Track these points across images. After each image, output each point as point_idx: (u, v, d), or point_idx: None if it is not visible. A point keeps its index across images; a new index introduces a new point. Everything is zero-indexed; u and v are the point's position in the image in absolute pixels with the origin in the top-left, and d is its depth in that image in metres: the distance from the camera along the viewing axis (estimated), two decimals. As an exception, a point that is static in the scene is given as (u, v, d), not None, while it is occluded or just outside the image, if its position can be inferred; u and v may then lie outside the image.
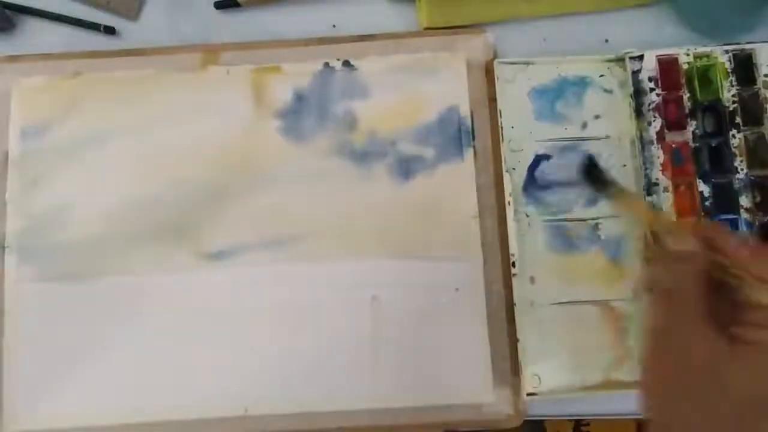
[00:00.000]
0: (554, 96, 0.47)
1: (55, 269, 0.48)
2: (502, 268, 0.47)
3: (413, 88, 0.49)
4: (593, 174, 0.45)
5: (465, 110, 0.48)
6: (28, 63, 0.50)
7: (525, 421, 0.46)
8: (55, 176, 0.49)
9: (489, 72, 0.48)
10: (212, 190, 0.48)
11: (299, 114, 0.49)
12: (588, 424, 0.84)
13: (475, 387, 0.46)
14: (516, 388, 0.46)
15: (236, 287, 0.47)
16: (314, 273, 0.47)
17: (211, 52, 0.50)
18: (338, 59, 0.49)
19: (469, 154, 0.48)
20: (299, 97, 0.49)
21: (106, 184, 0.49)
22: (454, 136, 0.48)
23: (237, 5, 0.51)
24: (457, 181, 0.48)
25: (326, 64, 0.49)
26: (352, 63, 0.49)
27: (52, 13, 0.51)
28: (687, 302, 0.32)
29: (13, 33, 0.52)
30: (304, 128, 0.49)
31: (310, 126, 0.49)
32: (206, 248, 0.48)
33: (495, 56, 0.49)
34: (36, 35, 0.52)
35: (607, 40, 0.49)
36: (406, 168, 0.48)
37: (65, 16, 0.51)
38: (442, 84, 0.49)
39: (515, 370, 0.46)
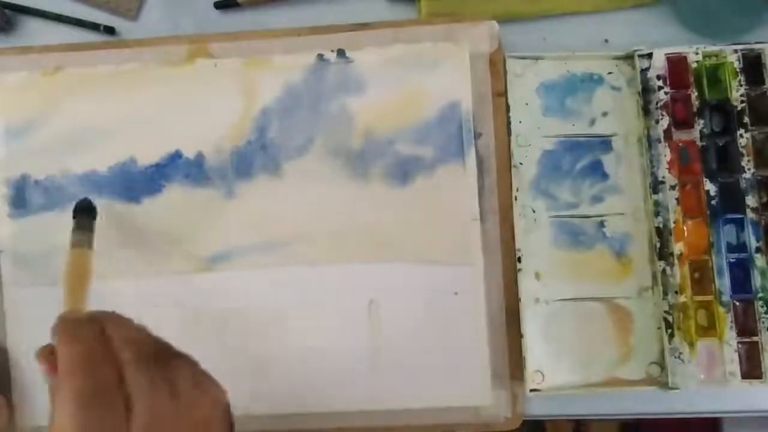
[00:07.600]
0: (562, 92, 0.47)
1: (49, 274, 0.47)
2: (503, 271, 0.46)
3: (412, 82, 0.46)
4: None
5: (467, 106, 0.46)
6: (5, 57, 0.49)
7: (525, 421, 0.46)
8: (42, 178, 0.47)
9: (494, 64, 0.46)
10: (203, 192, 0.47)
11: (291, 111, 0.47)
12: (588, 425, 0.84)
13: (473, 390, 0.45)
14: (514, 391, 0.45)
15: (233, 291, 0.46)
16: (310, 276, 0.46)
17: (198, 44, 0.48)
18: (332, 50, 0.47)
19: (470, 154, 0.46)
20: (291, 93, 0.47)
21: (95, 187, 0.47)
22: (454, 134, 0.46)
23: (237, 5, 0.50)
24: (457, 183, 0.46)
25: (320, 56, 0.47)
26: (347, 54, 0.47)
27: (51, 13, 0.51)
28: None
29: (12, 33, 0.51)
30: (296, 127, 0.47)
31: (304, 124, 0.47)
32: (201, 252, 0.47)
33: (500, 47, 0.46)
34: (36, 35, 0.51)
35: (606, 40, 0.48)
36: (404, 170, 0.46)
37: (65, 16, 0.51)
38: (442, 77, 0.46)
39: (514, 373, 0.45)
